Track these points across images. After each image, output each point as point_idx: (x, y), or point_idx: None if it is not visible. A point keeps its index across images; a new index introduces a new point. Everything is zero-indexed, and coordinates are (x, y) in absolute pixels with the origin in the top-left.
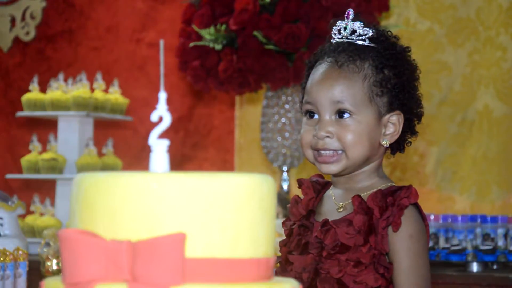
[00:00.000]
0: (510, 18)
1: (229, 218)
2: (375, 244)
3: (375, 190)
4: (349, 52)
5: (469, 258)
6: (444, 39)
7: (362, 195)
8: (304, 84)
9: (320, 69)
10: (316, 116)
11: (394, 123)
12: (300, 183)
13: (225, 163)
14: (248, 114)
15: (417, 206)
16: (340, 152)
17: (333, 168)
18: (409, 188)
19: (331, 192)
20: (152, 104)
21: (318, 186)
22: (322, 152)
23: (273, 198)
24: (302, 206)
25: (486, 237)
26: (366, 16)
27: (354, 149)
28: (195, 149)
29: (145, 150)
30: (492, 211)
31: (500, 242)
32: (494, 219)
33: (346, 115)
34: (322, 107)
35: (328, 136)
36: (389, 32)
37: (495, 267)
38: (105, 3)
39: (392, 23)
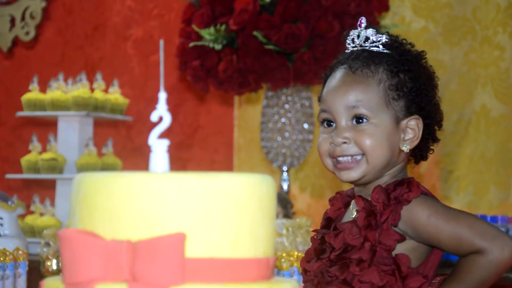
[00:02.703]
0: (508, 18)
1: (229, 218)
2: (375, 240)
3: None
4: (363, 58)
5: None
6: (439, 38)
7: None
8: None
9: (334, 77)
10: (333, 124)
11: (413, 128)
12: (334, 196)
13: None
14: (247, 114)
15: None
16: (358, 157)
17: (353, 174)
18: (410, 182)
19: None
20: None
21: (348, 198)
22: (340, 159)
23: (273, 198)
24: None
25: None
26: (366, 16)
27: (374, 153)
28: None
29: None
30: (490, 211)
31: None
32: (494, 219)
33: (363, 121)
34: (338, 114)
35: (345, 142)
36: (404, 40)
37: None
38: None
39: (387, 21)
